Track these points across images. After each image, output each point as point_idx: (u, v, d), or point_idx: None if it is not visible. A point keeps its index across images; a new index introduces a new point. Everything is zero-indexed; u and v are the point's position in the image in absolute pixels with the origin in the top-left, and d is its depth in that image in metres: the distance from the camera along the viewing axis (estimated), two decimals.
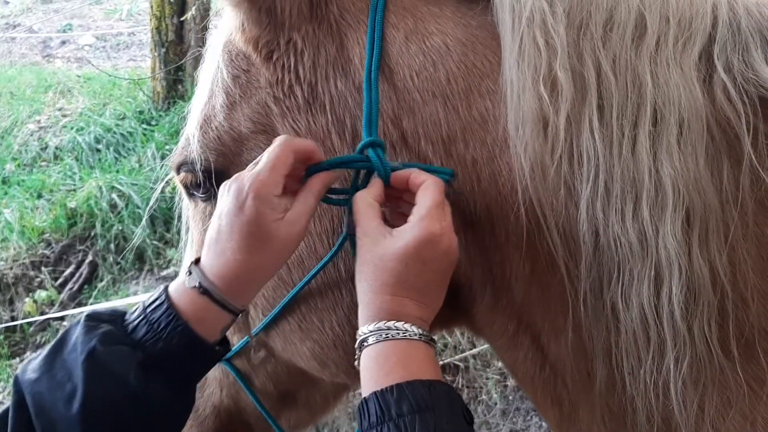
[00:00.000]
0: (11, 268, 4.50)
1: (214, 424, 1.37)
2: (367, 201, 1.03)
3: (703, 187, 0.91)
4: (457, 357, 3.52)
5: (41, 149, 5.59)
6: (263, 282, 1.08)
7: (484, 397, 3.44)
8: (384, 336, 0.97)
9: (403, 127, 1.08)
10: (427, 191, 1.01)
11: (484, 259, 1.09)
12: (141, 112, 5.85)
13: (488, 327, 1.16)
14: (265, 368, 1.33)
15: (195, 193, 1.25)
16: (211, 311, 1.02)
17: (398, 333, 0.97)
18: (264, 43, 1.13)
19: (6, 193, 5.06)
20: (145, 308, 1.03)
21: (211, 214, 1.23)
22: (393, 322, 0.98)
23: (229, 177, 1.19)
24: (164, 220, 4.54)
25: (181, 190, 1.32)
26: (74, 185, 5.02)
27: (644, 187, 0.91)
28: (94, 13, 9.29)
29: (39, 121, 5.97)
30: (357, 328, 1.18)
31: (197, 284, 1.02)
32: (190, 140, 1.21)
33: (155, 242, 4.57)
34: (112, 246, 4.59)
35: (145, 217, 4.40)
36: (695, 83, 0.93)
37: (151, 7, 5.63)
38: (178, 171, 1.25)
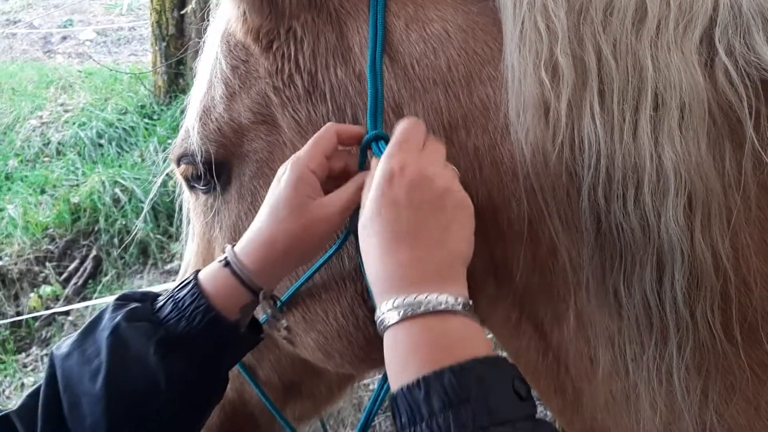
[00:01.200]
0: (16, 264, 4.52)
1: (219, 417, 1.37)
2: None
3: (705, 171, 0.91)
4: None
5: (44, 145, 5.60)
6: (284, 261, 1.03)
7: None
8: (403, 314, 0.84)
9: (404, 115, 1.07)
10: (397, 126, 0.98)
11: (486, 248, 1.08)
12: (143, 107, 5.86)
13: (491, 316, 1.16)
14: (269, 359, 1.33)
15: (196, 185, 1.24)
16: (232, 287, 1.01)
17: (418, 309, 0.84)
18: (264, 32, 1.12)
19: (9, 189, 5.08)
20: (173, 289, 1.03)
21: (212, 206, 1.24)
22: (409, 296, 0.85)
23: (230, 168, 1.20)
24: (167, 214, 4.55)
25: (181, 182, 1.31)
26: (77, 180, 5.03)
27: (646, 172, 0.91)
28: (95, 8, 9.28)
29: (41, 117, 5.97)
30: (360, 318, 1.18)
31: (222, 259, 1.02)
32: (190, 132, 1.20)
33: (159, 236, 4.58)
34: (115, 240, 4.60)
35: (146, 210, 4.40)
36: (696, 67, 0.92)
37: (151, 1, 5.63)
38: (178, 163, 1.25)
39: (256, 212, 1.06)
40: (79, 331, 1.01)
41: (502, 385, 0.80)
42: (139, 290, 1.09)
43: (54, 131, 5.70)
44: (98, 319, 1.01)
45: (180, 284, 1.03)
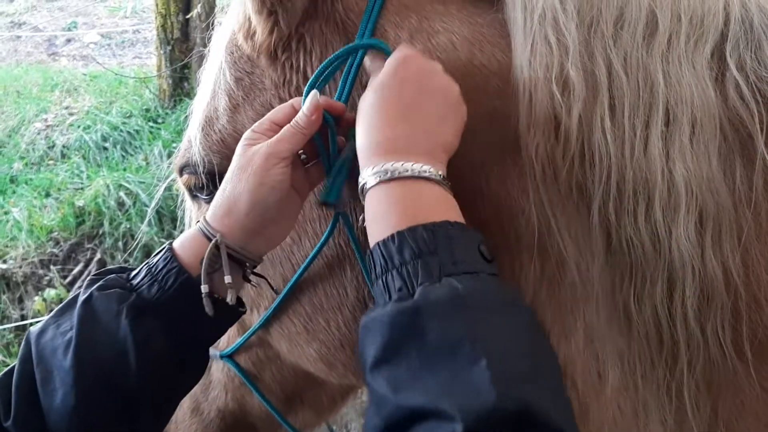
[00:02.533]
0: (20, 267, 4.52)
1: (219, 427, 1.37)
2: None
3: (716, 187, 0.90)
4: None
5: (48, 148, 5.60)
6: (239, 208, 0.99)
7: None
8: (385, 176, 0.89)
9: None
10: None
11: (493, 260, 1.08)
12: (147, 110, 5.86)
13: None
14: (270, 370, 1.32)
15: (198, 194, 1.23)
16: (198, 241, 1.00)
17: (398, 173, 0.89)
18: (272, 43, 1.11)
19: (14, 192, 5.08)
20: (150, 258, 1.02)
21: None
22: (392, 162, 0.90)
23: None
24: (171, 218, 4.55)
25: (184, 191, 1.31)
26: (82, 184, 5.03)
27: (657, 188, 0.90)
28: (99, 10, 9.30)
29: (46, 120, 5.98)
30: None
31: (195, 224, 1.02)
32: (193, 142, 1.20)
33: (163, 240, 4.58)
34: (120, 244, 4.60)
35: (149, 216, 4.40)
36: (708, 82, 0.92)
37: (156, 4, 5.63)
38: (180, 173, 1.24)
39: None
40: (57, 308, 1.00)
41: (469, 244, 0.86)
42: (117, 266, 1.07)
43: (59, 134, 5.70)
44: (76, 295, 0.99)
45: (156, 252, 1.02)
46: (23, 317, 4.30)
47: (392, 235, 0.85)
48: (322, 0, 1.08)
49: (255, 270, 1.08)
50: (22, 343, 0.98)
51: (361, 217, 1.05)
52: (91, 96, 6.32)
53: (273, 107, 1.12)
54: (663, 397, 0.96)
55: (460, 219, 0.89)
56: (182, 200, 1.39)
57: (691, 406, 0.95)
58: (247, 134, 1.03)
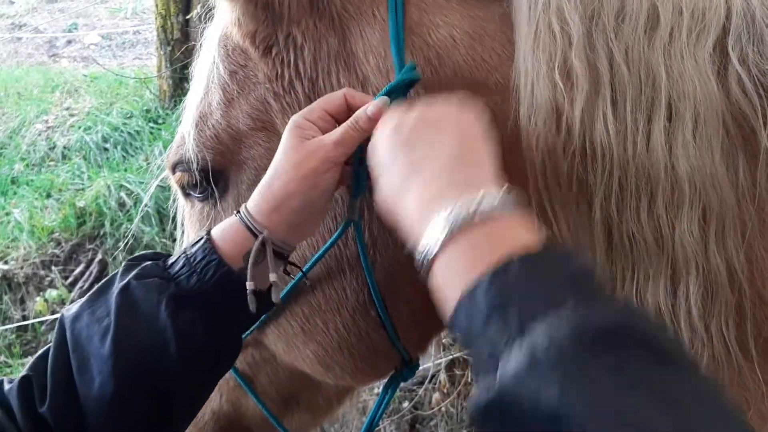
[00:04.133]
0: (22, 268, 4.51)
1: (213, 430, 1.34)
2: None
3: (720, 182, 0.89)
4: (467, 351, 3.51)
5: (49, 149, 5.60)
6: (287, 204, 0.97)
7: None
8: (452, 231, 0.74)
9: None
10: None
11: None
12: (148, 111, 5.85)
13: None
14: (266, 372, 1.31)
15: (191, 193, 1.21)
16: (241, 236, 0.98)
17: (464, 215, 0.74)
18: (262, 38, 1.09)
19: (15, 193, 5.08)
20: (186, 246, 1.01)
21: (208, 214, 1.21)
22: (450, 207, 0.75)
23: (227, 176, 1.17)
24: (172, 218, 4.54)
25: (176, 190, 1.28)
26: (83, 184, 5.03)
27: (660, 183, 0.89)
28: (99, 12, 9.29)
29: (47, 121, 5.98)
30: (362, 329, 1.16)
31: (236, 212, 1.00)
32: (186, 139, 1.17)
33: (164, 240, 4.57)
34: (121, 244, 4.59)
35: (137, 217, 4.39)
36: (710, 76, 0.91)
37: (156, 5, 5.62)
38: (173, 171, 1.21)
39: None
40: (90, 293, 0.99)
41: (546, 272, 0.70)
42: (152, 251, 1.05)
43: (59, 135, 5.70)
44: (109, 280, 0.99)
45: (193, 241, 1.01)
46: (25, 318, 4.30)
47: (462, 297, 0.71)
48: None
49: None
50: (56, 326, 0.97)
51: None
52: (91, 97, 6.32)
53: (268, 102, 1.11)
54: None
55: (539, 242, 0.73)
56: (175, 199, 1.38)
57: None
58: (297, 121, 1.00)
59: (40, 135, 5.80)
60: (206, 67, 1.18)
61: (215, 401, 1.35)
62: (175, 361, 0.93)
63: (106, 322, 0.92)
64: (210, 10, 1.24)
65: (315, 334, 1.19)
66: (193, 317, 0.95)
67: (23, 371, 0.95)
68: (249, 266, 0.96)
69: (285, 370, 1.29)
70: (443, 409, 3.09)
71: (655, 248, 0.90)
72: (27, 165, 5.47)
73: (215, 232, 1.00)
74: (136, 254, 1.04)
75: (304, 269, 1.13)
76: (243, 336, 1.19)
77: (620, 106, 0.91)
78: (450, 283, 0.74)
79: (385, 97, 1.00)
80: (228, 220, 1.01)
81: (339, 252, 1.13)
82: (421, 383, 3.13)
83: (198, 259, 0.97)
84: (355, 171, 1.03)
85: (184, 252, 0.99)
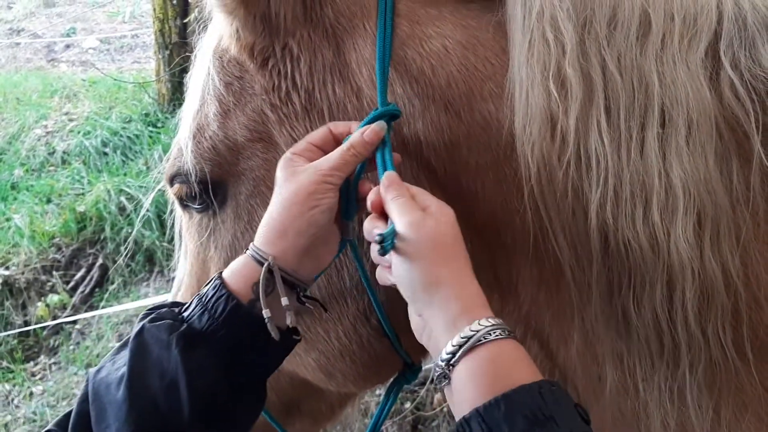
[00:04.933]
0: (23, 273, 4.52)
1: None
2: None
3: (714, 187, 0.90)
4: None
5: (49, 154, 5.61)
6: (289, 229, 0.99)
7: None
8: (469, 346, 0.84)
9: (403, 134, 1.06)
10: (391, 210, 0.96)
11: (490, 264, 1.07)
12: (147, 115, 5.86)
13: None
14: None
15: (190, 204, 1.21)
16: (249, 267, 0.99)
17: (479, 335, 0.85)
18: (259, 49, 1.09)
19: (15, 199, 5.09)
20: (201, 289, 1.01)
21: (207, 226, 1.21)
22: (468, 326, 0.86)
23: (225, 187, 1.17)
24: (172, 223, 4.54)
25: (174, 201, 1.27)
26: (82, 189, 5.04)
27: (654, 190, 0.89)
28: (97, 16, 9.30)
29: (46, 126, 5.98)
30: (364, 337, 1.16)
31: (245, 251, 1.02)
32: (183, 151, 1.17)
33: (165, 244, 4.58)
34: (121, 249, 4.60)
35: (138, 222, 4.39)
36: (702, 81, 0.91)
37: (154, 9, 5.63)
38: (171, 182, 1.21)
39: (254, 231, 1.03)
40: (115, 346, 1.00)
41: (572, 404, 0.82)
42: (171, 301, 1.06)
43: (59, 140, 5.70)
44: (132, 331, 0.99)
45: (206, 283, 1.01)
46: (26, 323, 4.31)
47: (496, 400, 0.79)
48: (311, 7, 1.07)
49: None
50: (83, 384, 0.98)
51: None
52: (90, 101, 6.33)
53: (264, 113, 1.12)
54: (665, 400, 0.95)
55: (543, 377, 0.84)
56: (172, 209, 1.37)
57: (694, 407, 0.94)
58: (287, 156, 1.04)
59: (39, 140, 5.80)
60: (201, 78, 1.18)
61: None
62: (187, 401, 0.91)
63: (122, 370, 0.93)
64: (203, 19, 1.24)
65: (317, 343, 1.19)
66: (204, 355, 0.93)
67: (49, 425, 0.97)
68: (261, 294, 0.96)
69: (287, 377, 1.29)
70: (445, 409, 3.09)
71: (650, 254, 0.90)
72: (27, 170, 5.48)
73: (226, 272, 1.01)
74: (155, 304, 1.04)
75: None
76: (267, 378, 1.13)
77: (614, 114, 0.92)
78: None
79: (382, 122, 1.02)
80: (238, 259, 1.02)
81: (338, 265, 1.14)
82: (423, 384, 3.13)
83: (209, 296, 0.97)
84: (342, 193, 1.03)
85: (198, 294, 1.00)
